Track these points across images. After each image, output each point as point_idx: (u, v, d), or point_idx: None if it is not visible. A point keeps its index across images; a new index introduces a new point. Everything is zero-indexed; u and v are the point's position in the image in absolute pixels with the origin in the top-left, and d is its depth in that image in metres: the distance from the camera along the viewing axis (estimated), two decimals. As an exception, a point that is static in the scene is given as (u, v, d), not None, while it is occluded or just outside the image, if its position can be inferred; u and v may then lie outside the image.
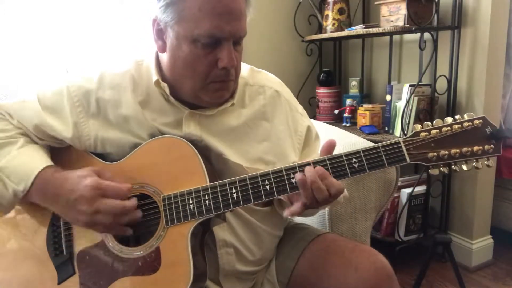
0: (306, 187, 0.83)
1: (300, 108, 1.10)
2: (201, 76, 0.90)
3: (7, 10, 1.75)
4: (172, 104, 0.96)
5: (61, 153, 1.01)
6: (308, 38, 2.42)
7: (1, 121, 0.99)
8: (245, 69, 1.06)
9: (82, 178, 0.88)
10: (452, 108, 2.03)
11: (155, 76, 0.95)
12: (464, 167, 0.84)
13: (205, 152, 0.96)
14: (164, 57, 0.94)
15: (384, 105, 2.16)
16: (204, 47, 0.87)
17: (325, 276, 0.98)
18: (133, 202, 0.88)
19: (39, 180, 0.90)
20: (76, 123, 0.96)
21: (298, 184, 0.84)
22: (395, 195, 2.04)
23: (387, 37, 2.30)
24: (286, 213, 0.88)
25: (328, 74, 2.48)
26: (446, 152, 0.83)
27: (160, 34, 0.91)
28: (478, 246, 2.13)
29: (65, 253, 0.95)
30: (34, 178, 0.90)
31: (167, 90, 0.94)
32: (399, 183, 1.76)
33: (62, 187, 0.89)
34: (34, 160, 0.93)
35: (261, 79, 1.06)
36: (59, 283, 0.94)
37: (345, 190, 1.04)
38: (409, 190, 2.06)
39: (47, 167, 0.92)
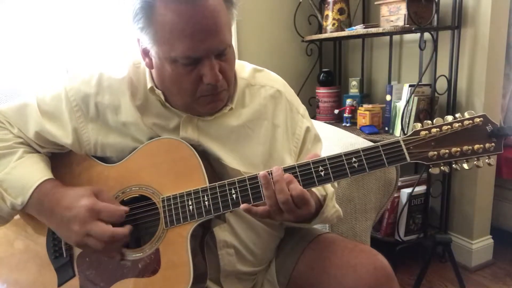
0: (268, 186, 0.83)
1: (301, 109, 1.08)
2: (189, 93, 0.89)
3: (7, 10, 1.75)
4: (169, 109, 0.96)
5: (61, 156, 1.01)
6: (308, 38, 2.42)
7: (1, 130, 0.98)
8: (247, 70, 1.05)
9: (79, 198, 0.88)
10: (452, 108, 2.03)
11: (149, 83, 0.94)
12: (465, 166, 0.83)
13: (204, 155, 0.96)
14: (153, 72, 0.94)
15: (384, 105, 2.15)
16: (185, 66, 0.85)
17: (325, 276, 0.98)
18: (124, 230, 0.88)
19: (37, 194, 0.90)
20: (76, 128, 0.96)
21: (261, 182, 0.84)
22: (395, 195, 2.03)
23: (387, 37, 2.30)
24: (242, 206, 0.85)
25: (328, 74, 2.47)
26: (447, 150, 0.82)
27: (145, 52, 0.90)
28: (478, 246, 2.13)
29: (65, 256, 0.95)
30: (32, 192, 0.90)
31: (162, 97, 0.94)
32: (399, 183, 1.76)
33: (58, 204, 0.89)
34: (32, 173, 0.92)
35: (262, 79, 1.05)
36: (59, 286, 0.94)
37: (340, 210, 1.03)
38: (409, 190, 2.06)
39: (45, 180, 0.92)
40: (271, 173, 0.84)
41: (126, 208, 0.89)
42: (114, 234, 0.86)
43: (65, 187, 0.93)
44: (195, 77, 0.87)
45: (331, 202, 1.00)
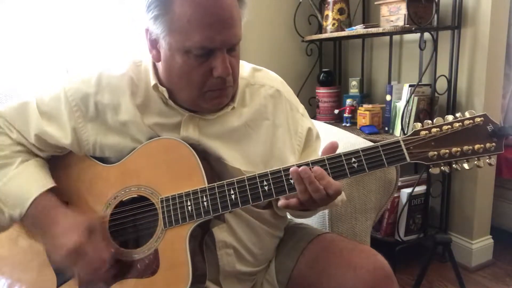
0: (299, 181, 0.82)
1: (301, 108, 1.09)
2: (197, 86, 0.89)
3: (7, 10, 1.75)
4: (171, 107, 0.96)
5: (60, 156, 1.01)
6: (308, 38, 2.41)
7: (0, 136, 0.97)
8: (246, 69, 1.05)
9: (71, 230, 0.87)
10: (452, 108, 2.03)
11: (153, 80, 0.94)
12: (466, 166, 0.83)
13: (204, 154, 0.95)
14: (160, 66, 0.93)
15: (384, 105, 2.15)
16: (197, 57, 0.86)
17: (324, 276, 0.98)
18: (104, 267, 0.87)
19: (34, 208, 0.91)
20: (75, 128, 0.96)
21: (293, 178, 0.83)
22: (395, 195, 2.03)
23: (387, 37, 2.30)
24: (280, 203, 0.87)
25: (328, 74, 2.47)
26: (447, 150, 0.81)
27: (153, 44, 0.90)
28: (478, 246, 2.13)
29: None
30: (29, 205, 0.90)
31: (166, 94, 0.94)
32: (399, 183, 1.76)
33: (50, 226, 0.90)
34: (30, 184, 0.92)
35: (262, 78, 1.05)
36: (58, 286, 0.94)
37: (343, 193, 1.03)
38: (409, 190, 2.05)
39: (42, 194, 0.91)
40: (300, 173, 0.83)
41: (108, 255, 0.88)
42: (96, 270, 0.86)
43: (62, 207, 0.92)
44: (205, 70, 0.87)
45: None
